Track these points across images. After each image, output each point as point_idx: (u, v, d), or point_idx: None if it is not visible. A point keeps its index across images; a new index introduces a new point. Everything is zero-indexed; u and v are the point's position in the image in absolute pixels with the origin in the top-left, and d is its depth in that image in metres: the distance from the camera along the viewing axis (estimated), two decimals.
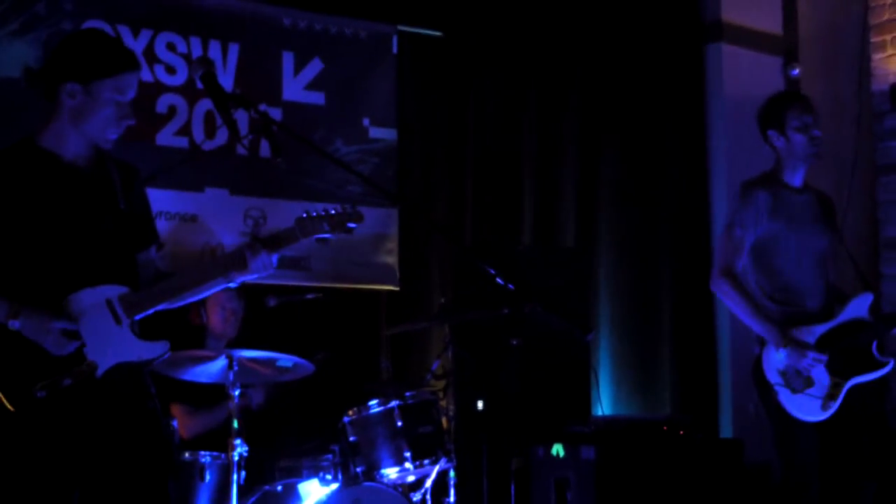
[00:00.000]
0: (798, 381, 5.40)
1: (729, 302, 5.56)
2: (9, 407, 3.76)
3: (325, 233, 4.12)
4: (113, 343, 3.90)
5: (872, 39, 8.60)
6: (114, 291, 3.94)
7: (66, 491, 3.88)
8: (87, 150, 4.04)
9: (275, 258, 4.08)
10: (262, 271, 4.06)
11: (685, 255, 8.50)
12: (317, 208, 4.12)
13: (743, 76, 8.75)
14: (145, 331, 4.02)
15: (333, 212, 4.12)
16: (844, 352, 5.42)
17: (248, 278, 4.10)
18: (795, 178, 5.67)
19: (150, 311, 4.01)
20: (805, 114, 5.64)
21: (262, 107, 5.39)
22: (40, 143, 4.01)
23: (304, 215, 4.10)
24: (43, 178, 3.95)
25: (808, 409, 5.39)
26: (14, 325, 3.78)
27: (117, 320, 3.92)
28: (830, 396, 5.37)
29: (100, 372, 3.85)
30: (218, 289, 4.17)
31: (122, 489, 3.91)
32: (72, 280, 3.90)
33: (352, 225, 4.16)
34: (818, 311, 5.54)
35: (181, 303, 4.14)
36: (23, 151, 4.00)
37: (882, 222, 8.40)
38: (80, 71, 3.94)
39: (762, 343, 5.49)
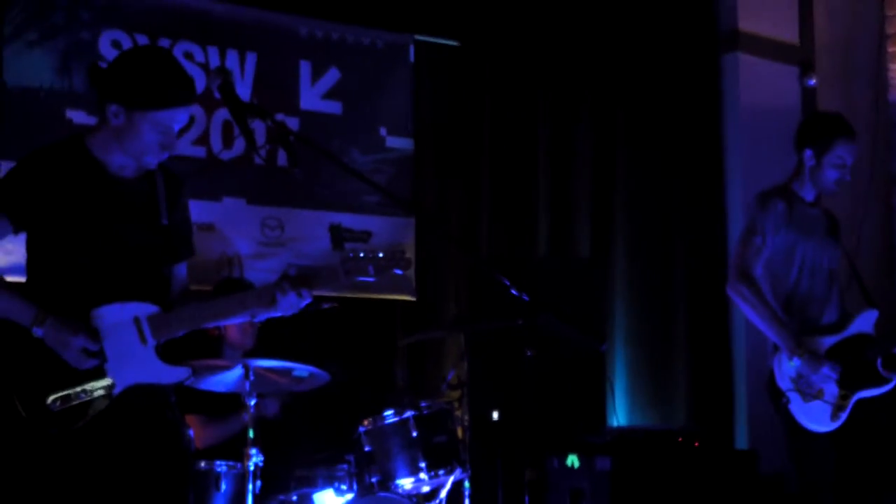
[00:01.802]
0: (809, 390, 5.40)
1: (745, 306, 5.55)
2: (21, 412, 3.75)
3: (369, 276, 4.06)
4: (135, 363, 3.89)
5: (889, 49, 8.60)
6: (143, 310, 3.92)
7: (83, 494, 3.85)
8: (133, 161, 3.98)
9: (306, 297, 4.01)
10: (289, 311, 4.02)
11: (700, 265, 8.49)
12: (360, 248, 4.05)
13: (759, 86, 8.75)
14: (167, 347, 3.99)
15: (382, 255, 4.06)
16: (851, 365, 5.42)
17: (275, 315, 4.06)
18: (809, 194, 5.69)
19: (177, 335, 3.98)
20: (850, 153, 5.63)
21: (280, 116, 5.40)
22: (90, 148, 3.96)
23: (351, 255, 4.03)
24: (87, 185, 3.91)
25: (818, 418, 5.40)
26: (37, 332, 3.77)
27: (143, 340, 3.89)
28: (839, 407, 5.37)
29: (117, 390, 3.84)
30: (243, 320, 4.16)
31: (139, 500, 3.89)
32: (102, 292, 3.88)
33: (398, 272, 4.13)
34: (829, 322, 5.55)
35: (212, 325, 4.16)
36: (72, 152, 3.96)
37: None
38: (125, 95, 3.86)
39: (775, 350, 5.50)
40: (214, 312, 4.06)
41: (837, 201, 5.95)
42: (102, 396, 3.83)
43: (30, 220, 3.90)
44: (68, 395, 3.78)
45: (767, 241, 5.56)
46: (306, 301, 4.02)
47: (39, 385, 3.78)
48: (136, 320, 3.90)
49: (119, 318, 3.88)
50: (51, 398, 3.77)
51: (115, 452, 3.86)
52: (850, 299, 5.78)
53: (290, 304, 3.99)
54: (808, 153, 5.65)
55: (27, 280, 3.96)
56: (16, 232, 3.93)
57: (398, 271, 4.11)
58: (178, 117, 3.93)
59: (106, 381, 3.84)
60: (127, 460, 3.88)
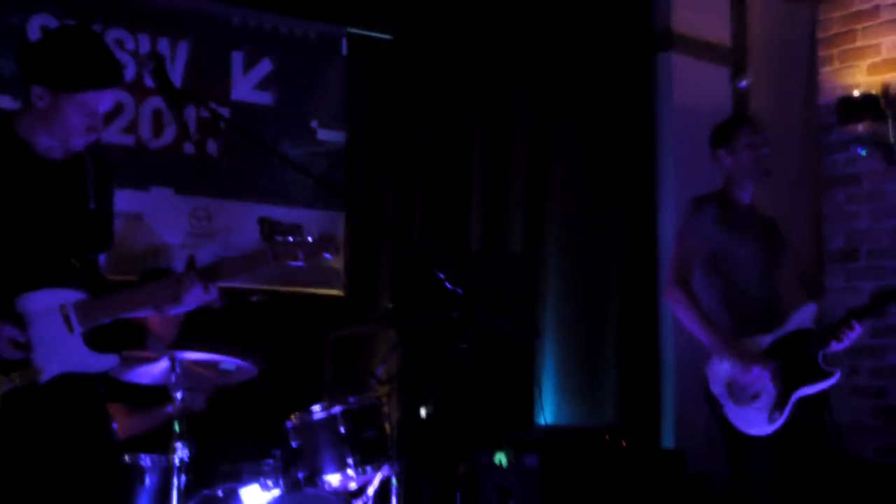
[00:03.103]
0: (743, 394, 5.41)
1: (680, 311, 5.59)
2: None
3: (299, 261, 4.02)
4: (62, 351, 3.79)
5: (820, 53, 8.66)
6: (70, 297, 3.83)
7: (13, 484, 3.78)
8: (60, 144, 3.91)
9: (212, 291, 3.95)
10: (193, 305, 3.96)
11: (632, 264, 8.53)
12: (286, 232, 4.00)
13: (692, 86, 8.78)
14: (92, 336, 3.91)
15: (311, 240, 4.03)
16: (790, 362, 5.44)
17: (180, 310, 4.00)
18: (743, 196, 5.77)
19: (104, 322, 3.90)
20: (754, 133, 5.75)
21: (210, 106, 5.32)
22: (16, 129, 3.89)
23: (280, 239, 3.99)
24: (11, 166, 3.83)
25: (754, 422, 5.42)
26: None
27: (70, 328, 3.80)
28: (776, 409, 5.38)
29: (43, 379, 3.74)
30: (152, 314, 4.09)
31: (66, 492, 3.82)
32: (27, 279, 3.78)
33: (328, 256, 4.08)
34: (767, 320, 5.57)
35: (134, 315, 4.07)
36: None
37: (827, 235, 8.46)
38: (50, 77, 3.80)
39: (708, 356, 5.52)
40: (138, 300, 3.97)
41: (767, 203, 5.97)
42: (28, 385, 3.73)
43: None
44: None
45: (701, 245, 5.61)
46: (213, 294, 3.96)
47: None
48: (63, 307, 3.80)
49: (45, 305, 3.78)
50: None
51: (41, 444, 3.79)
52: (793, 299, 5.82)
53: (194, 299, 3.94)
54: (720, 153, 5.78)
55: None
56: None
57: (328, 256, 4.08)
58: (103, 99, 3.87)
59: (32, 370, 3.73)
60: (53, 453, 3.81)
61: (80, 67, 3.82)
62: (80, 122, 3.84)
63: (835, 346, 5.47)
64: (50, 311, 3.78)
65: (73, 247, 3.92)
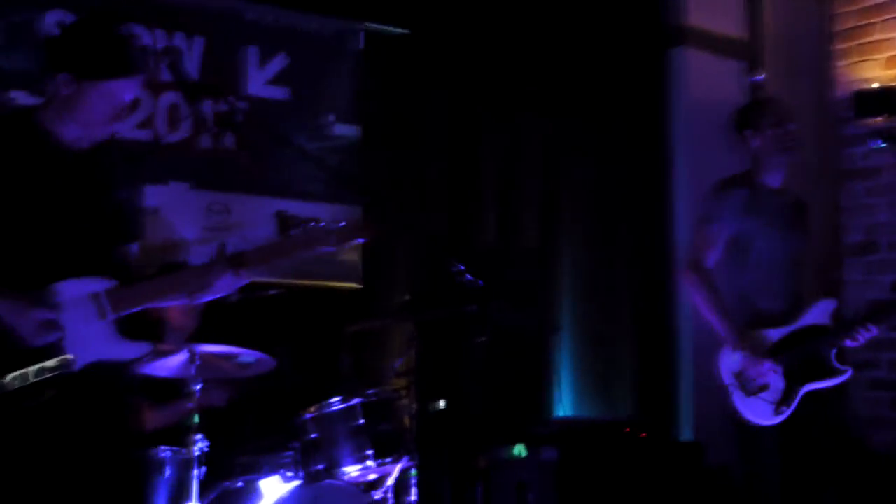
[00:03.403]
0: (751, 385, 5.40)
1: (694, 295, 5.57)
2: None
3: (330, 246, 3.99)
4: (94, 339, 3.77)
5: (836, 46, 8.64)
6: (101, 285, 3.81)
7: (45, 472, 3.76)
8: (85, 133, 3.90)
9: (243, 277, 3.95)
10: (224, 291, 3.96)
11: (646, 257, 8.52)
12: (313, 218, 3.98)
13: (705, 81, 8.76)
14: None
15: (343, 224, 4.00)
16: (801, 357, 5.42)
17: (211, 297, 3.99)
18: (774, 179, 5.68)
19: (137, 310, 3.88)
20: (780, 112, 5.68)
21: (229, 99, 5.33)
22: (40, 120, 3.88)
23: (312, 224, 3.97)
24: (38, 157, 3.82)
25: (760, 412, 5.40)
26: None
27: (101, 315, 3.78)
28: (783, 402, 5.37)
29: (76, 367, 3.73)
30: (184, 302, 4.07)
31: (89, 484, 3.81)
32: (58, 268, 3.77)
33: (360, 241, 4.08)
34: (784, 312, 5.55)
35: (165, 304, 4.09)
36: (20, 124, 3.89)
37: (845, 228, 8.44)
38: (73, 65, 3.80)
39: (721, 343, 5.50)
40: (170, 287, 3.96)
41: None
42: (62, 374, 3.71)
43: None
44: (26, 374, 3.66)
45: (724, 230, 5.56)
46: (244, 281, 3.94)
47: None
48: (95, 295, 3.78)
49: (77, 293, 3.77)
50: (7, 378, 3.63)
51: (69, 433, 3.78)
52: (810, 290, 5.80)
53: (225, 286, 3.93)
54: (747, 133, 5.72)
55: None
56: None
57: (360, 240, 4.05)
58: (127, 89, 3.86)
59: (65, 358, 3.71)
60: (80, 443, 3.80)
61: (104, 56, 3.81)
62: (103, 111, 3.84)
63: (849, 345, 5.46)
64: (81, 299, 3.77)
65: (101, 236, 3.91)
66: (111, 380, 3.89)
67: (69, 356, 3.71)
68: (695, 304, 5.62)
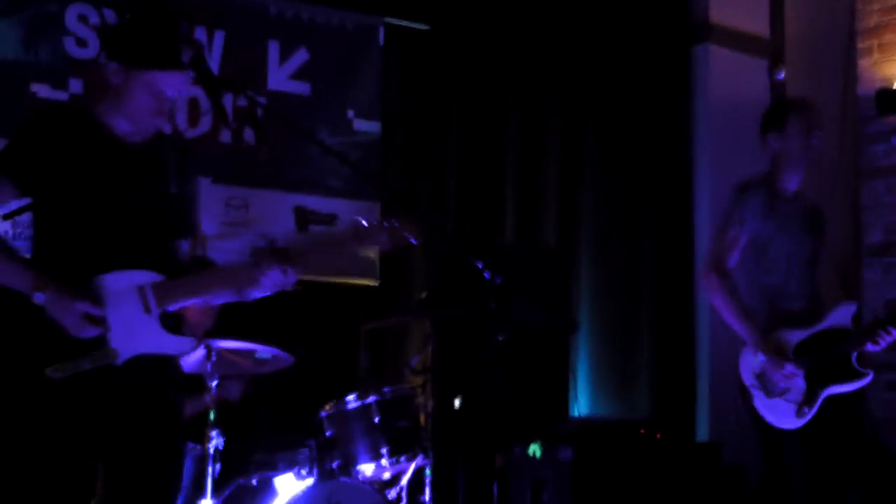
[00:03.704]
0: (773, 387, 5.38)
1: (715, 299, 5.53)
2: (21, 385, 3.65)
3: (382, 245, 3.99)
4: (138, 332, 3.75)
5: (859, 44, 8.59)
6: (147, 278, 3.79)
7: (85, 466, 3.76)
8: (134, 126, 3.91)
9: (291, 275, 3.90)
10: (272, 289, 3.93)
11: (667, 256, 8.50)
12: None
13: (729, 78, 8.74)
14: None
15: (397, 223, 3.99)
16: (823, 360, 5.40)
17: (259, 294, 3.96)
18: (790, 184, 5.66)
19: (182, 305, 3.87)
20: (808, 119, 5.63)
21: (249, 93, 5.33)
22: (95, 113, 3.89)
23: (365, 223, 3.95)
24: (93, 148, 3.83)
25: (782, 415, 5.38)
26: (39, 298, 3.62)
27: (146, 309, 3.76)
28: (805, 404, 5.35)
29: (120, 360, 3.71)
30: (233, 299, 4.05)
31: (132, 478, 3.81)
32: (106, 260, 3.76)
33: (413, 241, 4.04)
34: (804, 314, 5.53)
35: (211, 302, 4.08)
36: (77, 116, 3.91)
37: (865, 227, 8.39)
38: (121, 53, 3.83)
39: (742, 344, 5.49)
40: (217, 281, 3.95)
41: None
42: (105, 366, 3.70)
43: (35, 184, 3.80)
44: (69, 365, 3.64)
45: (744, 232, 5.54)
46: (292, 278, 3.91)
47: (39, 356, 3.64)
48: (140, 289, 3.76)
49: (122, 285, 3.75)
50: (50, 368, 3.62)
51: (113, 426, 3.77)
52: (830, 292, 5.78)
53: (272, 282, 3.90)
54: (771, 136, 5.66)
55: (32, 249, 3.86)
56: (21, 196, 3.83)
57: (413, 241, 4.03)
58: (168, 82, 3.85)
59: (109, 351, 3.70)
60: (124, 437, 3.79)
61: (147, 46, 3.83)
62: (146, 102, 3.84)
63: (870, 348, 5.43)
64: (127, 291, 3.75)
65: (152, 230, 3.89)
66: (158, 373, 3.87)
67: (112, 348, 3.71)
68: (716, 306, 5.58)
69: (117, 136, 3.89)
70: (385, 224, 3.99)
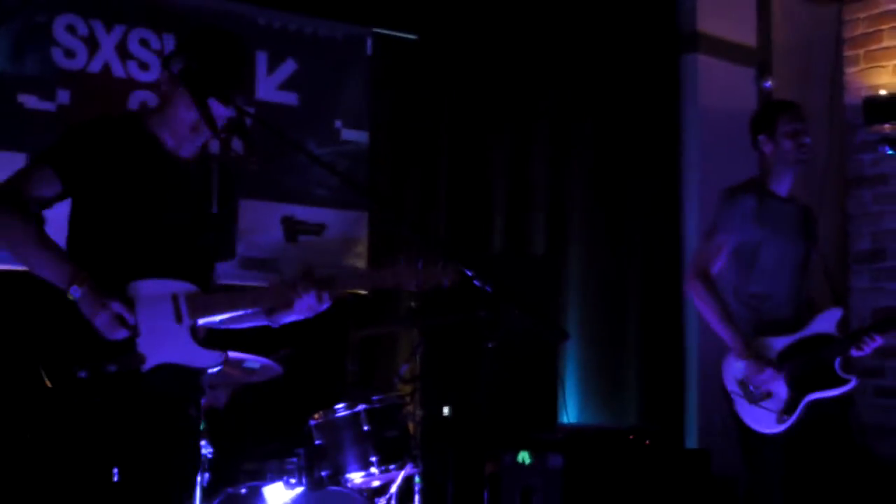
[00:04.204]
0: (754, 392, 5.40)
1: (700, 304, 5.55)
2: (47, 383, 3.62)
3: (416, 288, 3.95)
4: (168, 341, 3.73)
5: (846, 53, 8.64)
6: (181, 287, 3.78)
7: (102, 468, 3.72)
8: (178, 140, 3.93)
9: (326, 301, 3.89)
10: (306, 314, 3.92)
11: (655, 264, 8.51)
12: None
13: (717, 87, 8.76)
14: None
15: (431, 268, 3.95)
16: (806, 366, 5.42)
17: (291, 318, 3.97)
18: (782, 187, 5.69)
19: (215, 318, 3.86)
20: (796, 120, 5.68)
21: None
22: (146, 123, 3.91)
23: (421, 266, 3.92)
24: (140, 157, 3.84)
25: (763, 420, 5.41)
26: (75, 292, 3.60)
27: (178, 318, 3.75)
28: (786, 411, 5.37)
29: (146, 367, 3.69)
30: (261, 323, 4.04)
31: (156, 480, 3.78)
32: (142, 267, 3.76)
33: (445, 285, 3.97)
34: (790, 321, 5.55)
35: (240, 323, 4.02)
36: (129, 124, 3.92)
37: (852, 235, 8.43)
38: (170, 61, 3.88)
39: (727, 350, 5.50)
40: (251, 299, 3.91)
41: None
42: (131, 371, 3.67)
43: (79, 183, 3.79)
44: (97, 366, 3.62)
45: (732, 238, 5.55)
46: (326, 304, 3.89)
47: (67, 354, 3.63)
48: (174, 297, 3.76)
49: (156, 292, 3.75)
50: (78, 367, 3.61)
51: (133, 434, 3.74)
52: (819, 297, 5.79)
53: (307, 307, 3.88)
54: (761, 139, 5.71)
55: (67, 250, 3.82)
56: (63, 195, 3.82)
57: (445, 285, 3.98)
58: (216, 109, 3.83)
59: (136, 355, 3.68)
60: (140, 446, 3.77)
61: (196, 66, 3.83)
62: (185, 116, 3.84)
63: (855, 354, 5.46)
64: (160, 298, 3.75)
65: (190, 245, 3.90)
66: (183, 387, 3.87)
67: (140, 353, 3.68)
68: (700, 311, 5.61)
69: (166, 148, 3.91)
70: (420, 268, 3.95)
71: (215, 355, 3.82)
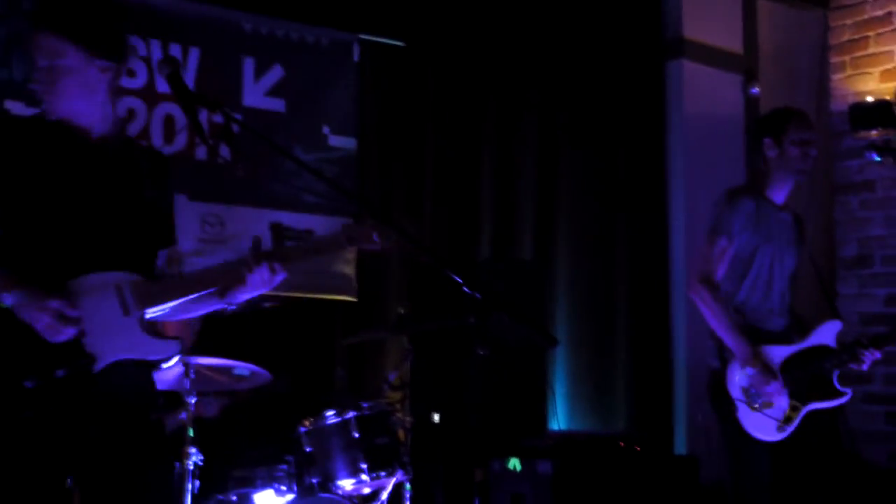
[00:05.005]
0: (757, 401, 5.39)
1: (705, 311, 5.48)
2: None
3: (374, 244, 3.79)
4: (117, 335, 3.52)
5: (832, 60, 8.67)
6: (124, 278, 3.56)
7: (56, 477, 3.52)
8: (110, 128, 3.75)
9: (279, 273, 3.70)
10: (261, 288, 3.70)
11: (642, 270, 8.50)
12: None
13: (703, 93, 8.76)
14: None
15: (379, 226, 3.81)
16: (807, 377, 5.42)
17: (246, 294, 3.75)
18: (779, 195, 5.65)
19: (164, 307, 3.65)
20: (807, 130, 5.62)
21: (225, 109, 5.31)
22: (52, 108, 3.69)
23: (354, 222, 3.78)
24: (60, 150, 3.64)
25: (763, 428, 5.39)
26: (6, 299, 3.41)
27: (125, 310, 3.54)
28: (787, 420, 5.38)
29: (98, 367, 3.49)
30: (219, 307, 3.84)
31: (117, 487, 3.57)
32: (80, 262, 3.54)
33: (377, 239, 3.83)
34: (780, 331, 5.55)
35: (195, 309, 3.84)
36: (26, 121, 3.80)
37: (839, 242, 8.45)
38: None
39: (724, 357, 5.46)
40: (200, 281, 3.69)
41: None
42: (82, 373, 3.46)
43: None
44: (44, 372, 3.40)
45: (734, 241, 5.51)
46: (280, 277, 3.70)
47: (12, 363, 3.41)
48: (118, 287, 3.54)
49: (98, 285, 3.53)
50: (25, 377, 3.39)
51: (88, 436, 3.53)
52: (813, 307, 5.79)
53: (260, 281, 3.68)
54: (767, 142, 5.62)
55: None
56: None
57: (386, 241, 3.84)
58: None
59: (86, 356, 3.47)
60: (99, 454, 3.55)
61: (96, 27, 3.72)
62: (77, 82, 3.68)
63: (852, 367, 5.47)
64: (103, 291, 3.54)
65: (127, 233, 3.69)
66: (135, 384, 3.65)
67: (89, 353, 3.48)
68: (706, 318, 5.53)
69: (90, 137, 3.72)
70: (374, 223, 3.80)
71: (171, 345, 3.61)
